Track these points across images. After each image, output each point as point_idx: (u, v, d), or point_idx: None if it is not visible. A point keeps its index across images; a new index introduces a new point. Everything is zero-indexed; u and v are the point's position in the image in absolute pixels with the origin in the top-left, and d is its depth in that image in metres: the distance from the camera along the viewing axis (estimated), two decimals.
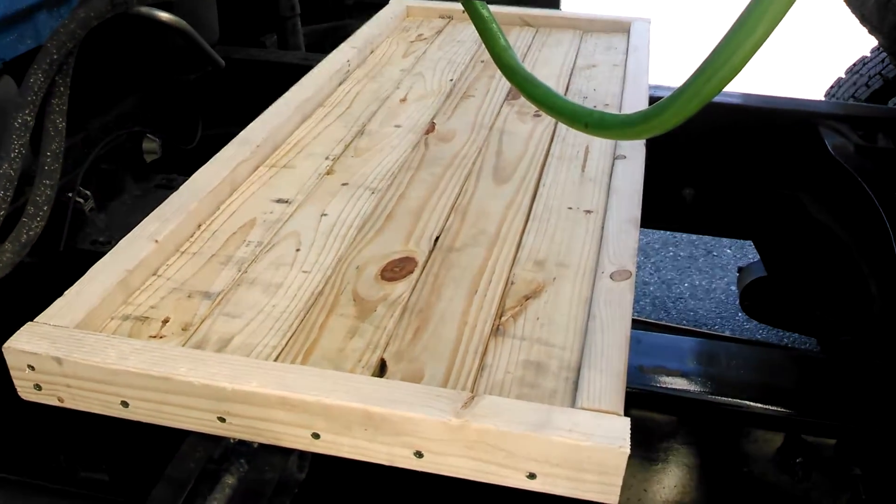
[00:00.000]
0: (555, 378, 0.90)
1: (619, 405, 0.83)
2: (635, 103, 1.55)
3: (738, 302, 2.95)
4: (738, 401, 1.13)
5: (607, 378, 0.86)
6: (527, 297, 1.03)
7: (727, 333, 2.77)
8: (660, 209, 1.73)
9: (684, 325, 2.79)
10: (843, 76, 2.65)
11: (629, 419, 0.81)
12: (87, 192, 1.52)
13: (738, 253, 3.17)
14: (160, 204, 1.17)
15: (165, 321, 0.99)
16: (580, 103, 1.54)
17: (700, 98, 0.62)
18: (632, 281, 1.02)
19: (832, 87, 2.68)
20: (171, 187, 1.75)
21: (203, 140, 1.89)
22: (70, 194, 1.52)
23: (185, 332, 0.97)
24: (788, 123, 1.92)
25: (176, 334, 0.97)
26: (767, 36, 0.58)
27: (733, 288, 3.01)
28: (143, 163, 1.75)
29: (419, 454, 0.83)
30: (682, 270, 3.10)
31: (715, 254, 3.21)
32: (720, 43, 0.61)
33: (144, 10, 1.39)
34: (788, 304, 2.01)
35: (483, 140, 1.44)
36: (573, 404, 0.85)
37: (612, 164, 1.33)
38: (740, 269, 2.21)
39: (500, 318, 1.00)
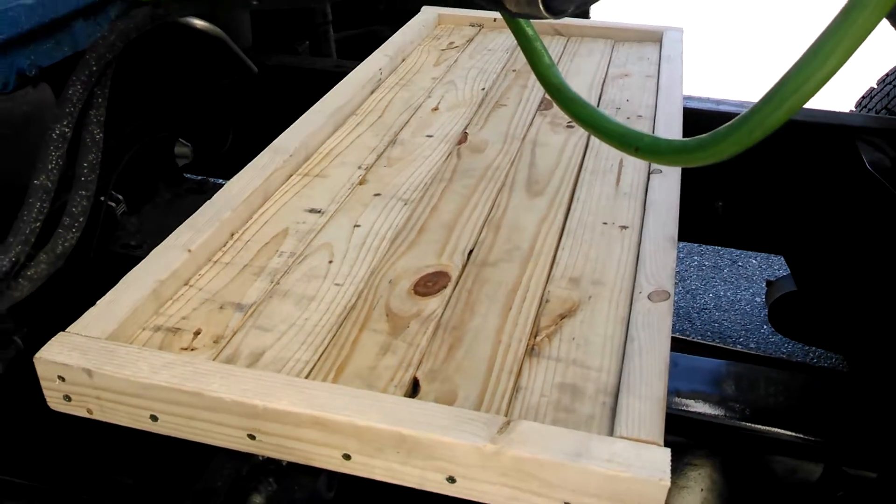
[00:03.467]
0: (592, 402, 0.88)
1: (660, 434, 0.81)
2: (669, 114, 1.52)
3: (763, 314, 2.91)
4: (773, 428, 1.10)
5: (646, 405, 0.84)
6: (562, 316, 1.01)
7: (752, 346, 2.73)
8: (691, 221, 1.70)
9: (709, 336, 2.76)
10: (875, 86, 2.60)
11: (669, 450, 0.79)
12: (120, 196, 1.52)
13: (764, 264, 3.13)
14: (191, 207, 1.17)
15: (197, 333, 0.98)
16: (613, 114, 1.53)
17: (764, 128, 0.60)
18: (670, 302, 1.00)
19: (864, 97, 2.63)
20: (203, 191, 1.75)
21: (234, 145, 1.89)
22: (102, 198, 1.52)
23: (216, 345, 0.96)
24: (825, 137, 1.88)
25: (207, 347, 0.96)
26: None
27: (758, 299, 2.98)
28: (175, 167, 1.75)
29: (451, 479, 0.82)
30: (707, 280, 3.06)
31: (740, 264, 3.17)
32: (791, 70, 0.58)
33: (181, 18, 1.39)
34: (818, 320, 1.97)
35: (516, 151, 1.42)
36: (611, 432, 0.83)
37: (648, 179, 1.31)
38: (769, 283, 2.17)
39: (535, 337, 0.98)
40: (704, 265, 3.09)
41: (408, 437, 0.80)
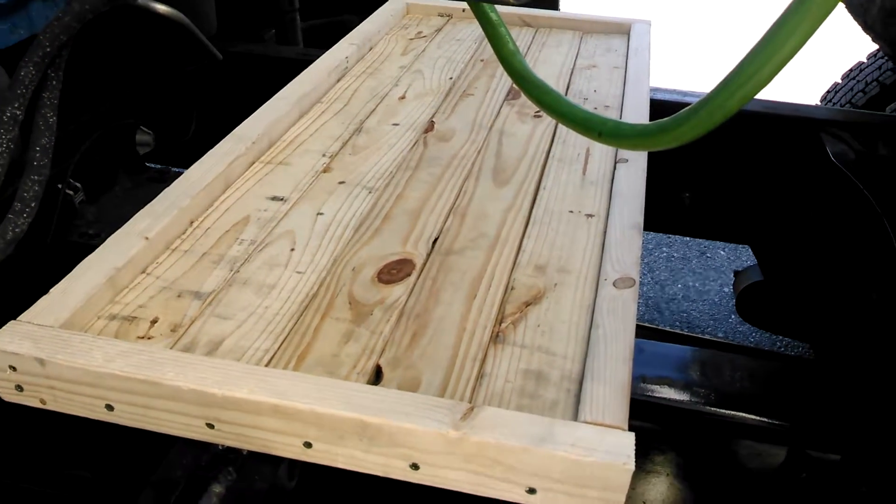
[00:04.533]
0: (556, 389, 0.87)
1: (624, 419, 0.80)
2: (636, 105, 1.52)
3: (731, 304, 2.94)
4: (739, 413, 1.10)
5: (611, 390, 0.83)
6: (527, 304, 1.00)
7: (721, 336, 2.75)
8: (658, 212, 1.70)
9: (677, 327, 2.77)
10: (840, 81, 2.63)
11: (634, 434, 0.78)
12: (78, 184, 1.49)
13: (732, 255, 3.15)
14: (151, 197, 1.14)
15: (154, 321, 0.95)
16: (581, 104, 1.52)
17: (723, 112, 0.59)
18: (635, 289, 0.99)
19: (829, 91, 2.65)
20: (164, 180, 1.72)
21: (198, 134, 1.86)
22: (60, 185, 1.48)
23: (174, 334, 0.94)
24: (790, 129, 1.89)
25: (164, 335, 0.93)
26: (797, 51, 0.55)
27: (727, 290, 3.00)
28: (136, 155, 1.72)
29: (415, 466, 0.80)
30: (676, 271, 3.08)
31: (709, 255, 3.19)
32: (747, 56, 0.58)
33: (141, 1, 1.36)
34: (784, 309, 1.98)
35: (483, 140, 1.41)
36: (575, 417, 0.82)
37: (614, 168, 1.30)
38: (736, 273, 2.18)
39: (500, 324, 0.97)
40: (673, 256, 3.11)
41: (370, 425, 0.79)
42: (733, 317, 2.77)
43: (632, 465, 0.75)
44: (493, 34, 0.90)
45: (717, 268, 3.06)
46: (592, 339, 0.92)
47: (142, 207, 1.12)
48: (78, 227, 1.50)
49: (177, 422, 0.85)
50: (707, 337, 2.44)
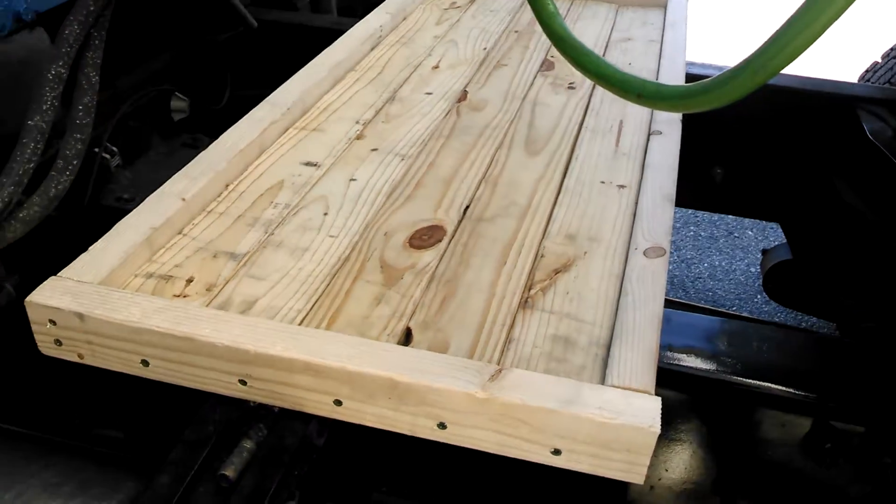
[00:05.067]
0: (584, 353, 0.88)
1: (651, 384, 0.81)
2: (672, 79, 1.51)
3: (758, 284, 2.92)
4: (765, 383, 1.10)
5: (639, 356, 0.84)
6: (556, 271, 1.01)
7: (746, 315, 2.73)
8: (688, 187, 1.69)
9: (702, 305, 2.76)
10: (880, 60, 2.58)
11: (660, 399, 0.79)
12: (115, 149, 1.51)
13: (760, 235, 3.12)
14: (185, 163, 1.16)
15: (190, 281, 0.97)
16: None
17: (767, 72, 0.59)
18: (665, 258, 1.00)
19: (867, 70, 2.60)
20: (197, 147, 1.74)
21: (231, 101, 1.87)
22: (97, 150, 1.51)
23: (209, 293, 0.95)
24: (826, 106, 1.87)
25: (200, 294, 0.95)
26: (846, 8, 0.55)
27: (753, 269, 2.98)
28: (170, 121, 1.74)
29: (442, 425, 0.82)
30: (703, 250, 3.06)
31: (736, 235, 3.17)
32: (794, 14, 0.57)
33: None
34: (813, 288, 1.97)
35: (515, 111, 1.41)
36: (602, 381, 0.83)
37: (647, 140, 1.30)
38: (764, 252, 2.17)
39: (529, 290, 0.98)
40: (700, 235, 3.09)
41: (399, 384, 0.80)
42: (759, 296, 2.75)
43: (657, 429, 0.76)
44: None
45: (744, 247, 3.03)
46: (621, 306, 0.92)
47: (175, 173, 1.14)
48: (113, 192, 1.52)
49: (210, 377, 0.87)
50: (733, 312, 2.42)
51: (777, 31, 0.61)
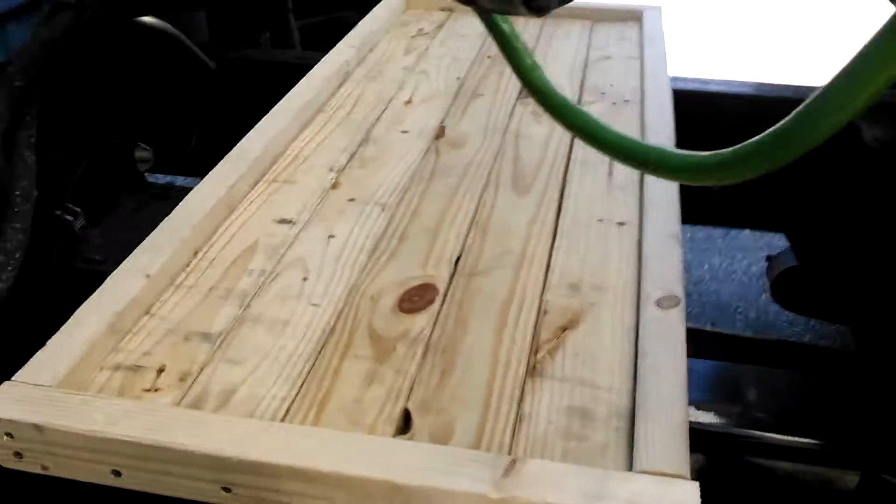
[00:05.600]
0: (605, 428, 0.80)
1: (685, 465, 0.72)
2: (658, 98, 1.44)
3: (761, 284, 2.86)
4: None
5: (667, 431, 0.76)
6: (563, 329, 0.92)
7: (752, 316, 2.67)
8: (685, 202, 1.62)
9: (707, 307, 2.69)
10: None
11: (698, 484, 0.70)
12: (77, 209, 1.41)
13: (757, 233, 3.06)
14: (156, 215, 1.06)
15: (161, 370, 0.88)
16: (598, 99, 1.43)
17: (804, 143, 0.50)
18: (681, 308, 0.91)
19: None
20: (168, 197, 1.64)
21: (200, 144, 1.78)
22: (59, 212, 1.41)
23: (182, 384, 0.86)
24: None
25: (173, 386, 0.86)
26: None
27: (754, 269, 2.92)
28: (137, 173, 1.64)
29: None
30: (701, 252, 3.00)
31: (733, 234, 3.11)
32: (839, 75, 0.48)
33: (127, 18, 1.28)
34: (822, 294, 1.90)
35: (498, 145, 1.33)
36: (630, 465, 0.74)
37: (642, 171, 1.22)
38: (769, 259, 2.10)
39: (536, 354, 0.89)
40: (697, 237, 3.02)
41: (401, 487, 0.71)
42: (763, 296, 2.70)
43: None
44: (508, 48, 0.81)
45: (743, 247, 2.97)
46: (640, 370, 0.84)
47: (147, 227, 1.04)
48: (83, 253, 1.42)
49: (190, 486, 0.77)
50: (738, 333, 2.35)
51: (811, 100, 0.52)
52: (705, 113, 1.71)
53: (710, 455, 0.80)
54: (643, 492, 0.69)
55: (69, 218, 1.40)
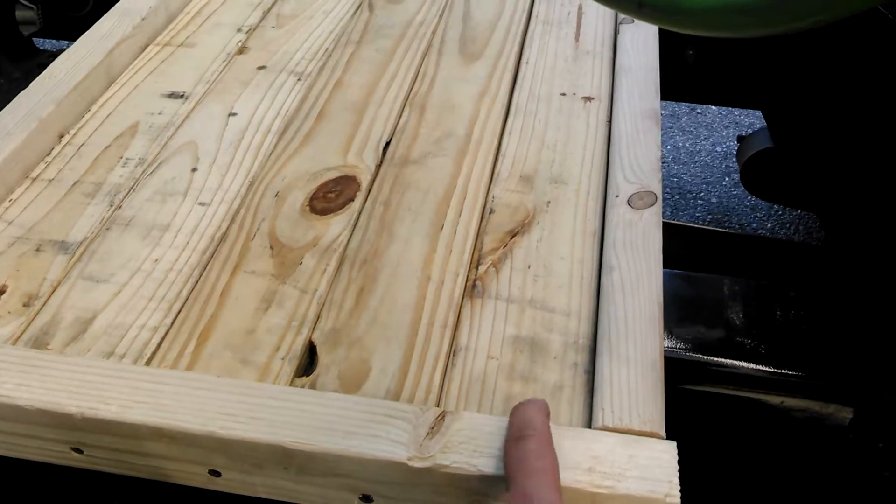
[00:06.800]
0: (559, 365, 0.63)
1: (660, 419, 0.56)
2: None
3: (724, 165, 2.68)
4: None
5: (637, 371, 0.59)
6: (512, 234, 0.74)
7: (714, 200, 2.51)
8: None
9: (667, 192, 2.52)
10: None
11: (675, 444, 0.54)
12: None
13: (724, 110, 2.86)
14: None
15: (1, 292, 0.69)
16: None
17: None
18: (658, 208, 0.73)
19: None
20: None
21: (98, 6, 1.52)
22: None
23: (27, 310, 0.67)
24: None
25: (15, 313, 0.67)
26: None
27: (719, 149, 2.74)
28: (19, 36, 1.39)
29: (367, 498, 0.57)
30: (665, 131, 2.80)
31: (699, 111, 2.90)
32: None
33: None
34: (798, 179, 1.73)
35: (445, 0, 1.10)
36: (590, 420, 0.58)
37: (616, 31, 1.02)
38: (741, 139, 1.91)
39: (477, 268, 0.71)
40: (661, 114, 2.82)
41: (295, 453, 0.54)
42: (726, 179, 2.53)
43: (676, 497, 0.52)
44: None
45: (707, 125, 2.78)
46: (605, 286, 0.67)
47: None
48: None
49: (31, 446, 0.60)
50: (718, 229, 2.16)
51: None
52: None
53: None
54: (605, 456, 0.53)
55: None
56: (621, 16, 1.02)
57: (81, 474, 0.63)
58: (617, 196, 0.75)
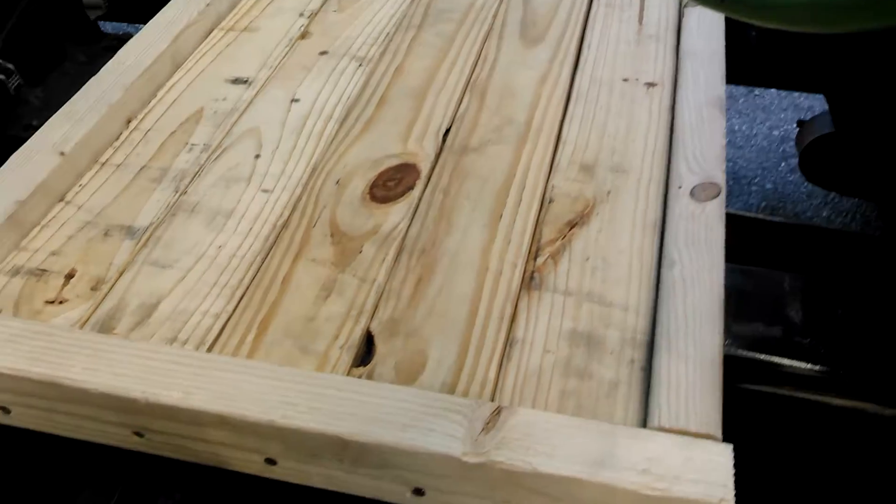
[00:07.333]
0: (616, 361, 0.62)
1: (717, 422, 0.55)
2: None
3: (781, 150, 2.61)
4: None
5: (696, 372, 0.58)
6: (571, 225, 0.74)
7: (769, 187, 2.44)
8: None
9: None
10: None
11: (731, 447, 0.54)
12: (10, 66, 1.21)
13: (783, 93, 2.77)
14: None
15: (70, 276, 0.71)
16: None
17: None
18: (721, 201, 0.72)
19: None
20: None
21: None
22: None
23: (94, 294, 0.69)
24: None
25: (83, 298, 0.69)
26: None
27: (776, 133, 2.65)
28: (86, 20, 1.42)
29: (419, 492, 0.57)
30: None
31: (757, 93, 2.81)
32: None
33: None
34: (857, 167, 1.66)
35: None
36: (645, 417, 0.57)
37: (680, 15, 0.99)
38: (801, 123, 1.84)
39: (535, 259, 0.71)
40: None
41: (351, 443, 0.55)
42: (783, 164, 2.46)
43: (731, 501, 0.51)
44: None
45: (765, 107, 2.69)
46: (665, 281, 0.66)
47: None
48: (21, 118, 1.23)
49: (93, 428, 0.62)
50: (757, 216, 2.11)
51: None
52: None
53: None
54: (661, 458, 0.52)
55: (1, 77, 1.21)
56: None
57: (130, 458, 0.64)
58: (680, 187, 0.73)
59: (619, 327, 0.65)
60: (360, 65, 0.94)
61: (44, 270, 0.72)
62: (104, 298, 0.69)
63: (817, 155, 1.73)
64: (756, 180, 2.48)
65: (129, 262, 0.72)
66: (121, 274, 0.71)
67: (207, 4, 0.99)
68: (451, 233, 0.74)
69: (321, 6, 1.05)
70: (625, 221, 0.73)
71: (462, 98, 0.89)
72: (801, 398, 0.81)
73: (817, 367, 0.80)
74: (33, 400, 0.61)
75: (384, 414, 0.56)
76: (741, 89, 2.82)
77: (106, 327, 0.66)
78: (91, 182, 0.80)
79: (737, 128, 2.68)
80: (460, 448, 0.54)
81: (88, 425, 0.62)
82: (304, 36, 1.00)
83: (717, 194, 0.72)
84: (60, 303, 0.69)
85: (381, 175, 0.80)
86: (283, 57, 0.96)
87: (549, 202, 0.76)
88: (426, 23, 1.01)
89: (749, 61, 1.60)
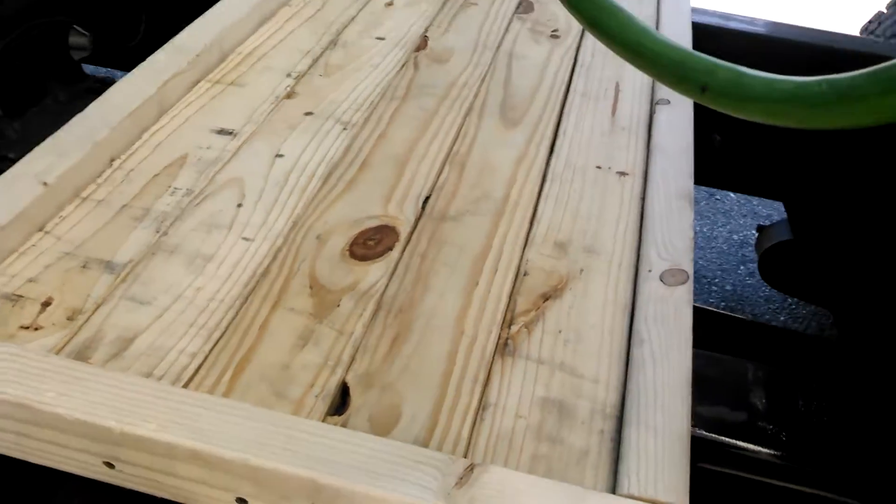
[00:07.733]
0: (586, 430, 0.64)
1: (684, 493, 0.57)
2: (677, 30, 1.25)
3: (741, 253, 2.71)
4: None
5: (664, 443, 0.61)
6: (545, 298, 0.76)
7: (728, 288, 2.53)
8: None
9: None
10: (885, 10, 2.35)
11: None
12: None
13: (742, 199, 2.90)
14: None
15: (46, 304, 0.71)
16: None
17: None
18: (689, 287, 0.76)
19: (871, 21, 2.37)
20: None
21: (148, 37, 1.56)
22: None
23: (70, 324, 0.69)
24: (825, 61, 1.62)
25: (58, 326, 0.69)
26: None
27: (735, 237, 2.76)
28: (70, 60, 1.43)
29: None
30: None
31: (717, 197, 2.94)
32: None
33: None
34: (817, 273, 1.74)
35: (488, 64, 1.14)
36: (614, 483, 0.59)
37: (651, 110, 1.05)
38: (760, 229, 1.93)
39: (510, 327, 0.73)
40: None
41: (324, 487, 0.56)
42: (742, 267, 2.55)
43: None
44: None
45: (725, 212, 2.81)
46: (635, 358, 0.68)
47: None
48: None
49: (63, 455, 0.61)
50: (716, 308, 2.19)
51: None
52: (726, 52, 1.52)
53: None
54: None
55: None
56: (657, 96, 1.05)
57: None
58: (650, 271, 0.77)
59: (590, 398, 0.67)
60: (344, 128, 0.97)
61: (20, 296, 0.71)
62: (80, 328, 0.68)
63: (776, 260, 1.81)
64: (716, 281, 2.56)
65: (106, 295, 0.72)
66: (98, 306, 0.71)
67: (196, 55, 1.01)
68: (427, 295, 0.76)
69: (308, 69, 1.08)
70: (597, 298, 0.76)
71: (442, 169, 0.92)
72: (761, 482, 0.83)
73: (778, 453, 0.83)
74: (2, 422, 0.60)
75: (359, 461, 0.57)
76: (703, 192, 2.93)
77: (81, 357, 0.66)
78: (72, 215, 0.80)
79: (698, 229, 2.78)
80: (433, 500, 0.54)
81: (58, 452, 0.61)
82: (289, 95, 1.02)
83: (686, 280, 0.76)
84: (36, 329, 0.68)
85: (361, 234, 0.82)
86: (269, 113, 0.98)
87: (524, 275, 0.79)
88: (410, 95, 1.05)
89: (712, 164, 1.68)
